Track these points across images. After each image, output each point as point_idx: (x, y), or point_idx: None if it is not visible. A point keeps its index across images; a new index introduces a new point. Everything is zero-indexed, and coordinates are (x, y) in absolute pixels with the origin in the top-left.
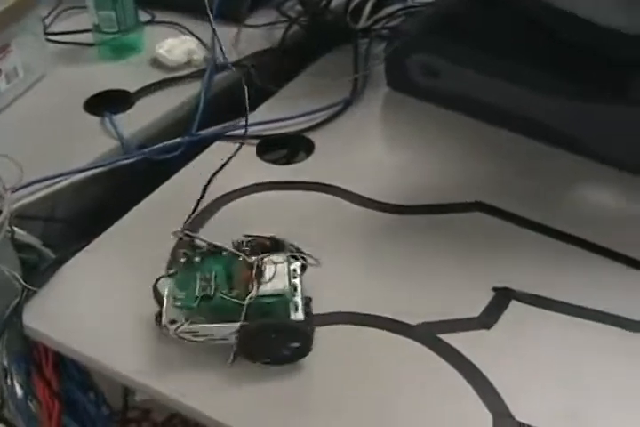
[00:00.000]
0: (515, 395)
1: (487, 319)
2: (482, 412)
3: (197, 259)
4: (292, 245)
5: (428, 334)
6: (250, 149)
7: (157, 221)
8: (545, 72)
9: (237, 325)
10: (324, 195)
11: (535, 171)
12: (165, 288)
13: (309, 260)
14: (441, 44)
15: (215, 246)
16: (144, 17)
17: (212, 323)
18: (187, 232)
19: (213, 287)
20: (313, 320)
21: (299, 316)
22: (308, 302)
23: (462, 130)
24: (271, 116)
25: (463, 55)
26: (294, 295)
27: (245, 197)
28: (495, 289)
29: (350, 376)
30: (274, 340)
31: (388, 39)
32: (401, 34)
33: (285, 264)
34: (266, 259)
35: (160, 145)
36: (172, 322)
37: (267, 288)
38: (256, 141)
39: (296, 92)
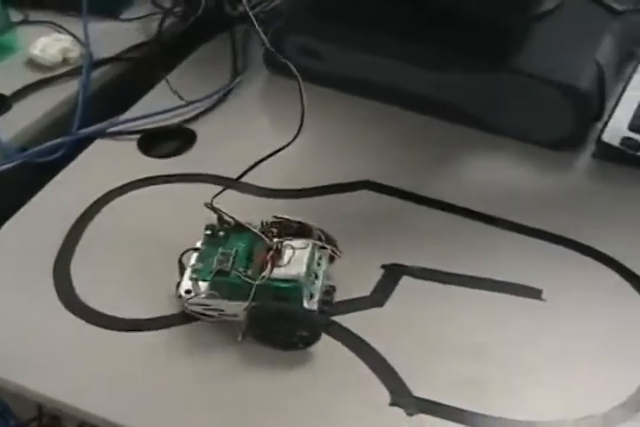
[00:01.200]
0: (413, 372)
1: (379, 297)
2: (381, 392)
3: (222, 233)
4: (322, 231)
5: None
6: (131, 145)
7: (38, 227)
8: (422, 45)
9: (245, 304)
10: (211, 186)
11: (424, 145)
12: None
13: (333, 250)
14: (315, 24)
15: (240, 225)
16: (17, 17)
17: (224, 299)
18: (214, 205)
19: (230, 263)
20: (331, 310)
21: (312, 305)
22: (329, 290)
23: (349, 109)
24: (152, 109)
25: (339, 34)
26: (313, 283)
27: (128, 194)
28: (384, 266)
29: None
30: (281, 325)
31: (265, 23)
32: (276, 16)
33: (308, 250)
34: (286, 242)
35: (40, 147)
36: (187, 292)
37: (280, 272)
38: (137, 136)
39: (176, 84)
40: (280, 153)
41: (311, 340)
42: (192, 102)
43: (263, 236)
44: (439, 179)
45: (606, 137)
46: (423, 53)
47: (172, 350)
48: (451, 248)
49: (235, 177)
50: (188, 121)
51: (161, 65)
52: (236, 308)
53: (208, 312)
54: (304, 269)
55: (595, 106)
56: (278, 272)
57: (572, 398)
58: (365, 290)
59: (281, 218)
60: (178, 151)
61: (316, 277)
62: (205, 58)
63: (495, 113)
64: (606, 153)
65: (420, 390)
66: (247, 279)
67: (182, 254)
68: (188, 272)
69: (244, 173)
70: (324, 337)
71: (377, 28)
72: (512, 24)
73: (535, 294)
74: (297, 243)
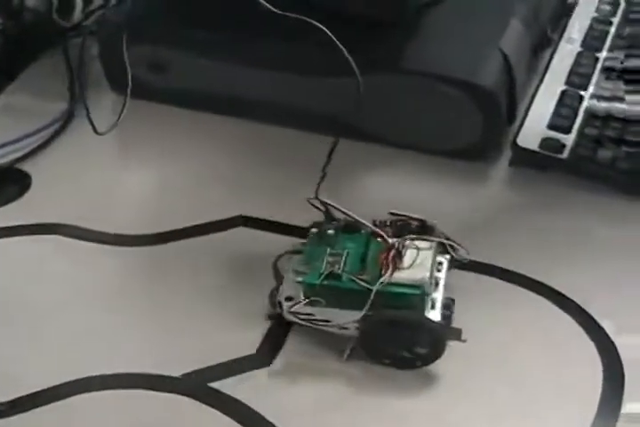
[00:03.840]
0: None
1: (266, 354)
2: None
3: (331, 231)
4: (443, 233)
5: (198, 385)
6: None
7: None
8: (286, 47)
9: (361, 313)
10: (49, 237)
11: (303, 164)
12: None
13: (461, 251)
14: (156, 30)
15: (355, 221)
16: None
17: (333, 307)
18: (323, 200)
19: (342, 266)
20: (451, 326)
21: (435, 315)
22: (449, 303)
23: (210, 131)
24: None
25: (183, 39)
26: (435, 291)
27: None
28: (270, 317)
29: None
30: (399, 337)
31: (98, 34)
32: (108, 26)
33: (431, 252)
34: (408, 242)
35: None
36: (289, 299)
37: (402, 275)
38: None
39: (1, 115)
40: (133, 191)
41: (433, 356)
42: (25, 137)
43: (384, 234)
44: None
45: (522, 141)
46: (286, 56)
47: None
48: None
49: (79, 225)
50: (18, 160)
51: None
52: (347, 317)
53: (309, 323)
54: (428, 273)
55: (504, 104)
56: (400, 275)
57: None
58: (250, 347)
59: (399, 215)
60: (10, 197)
61: (437, 284)
62: (35, 81)
63: (386, 122)
64: (525, 159)
65: None
66: (363, 284)
67: (277, 258)
68: (290, 276)
69: None
70: (203, 408)
71: (226, 29)
72: (391, 15)
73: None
74: (421, 243)
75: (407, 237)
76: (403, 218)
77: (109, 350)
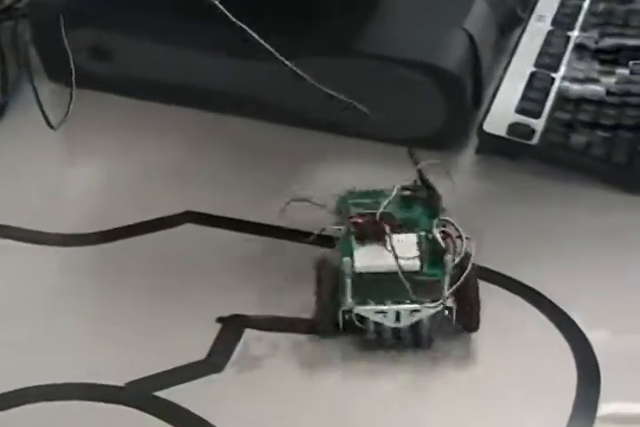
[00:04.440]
0: None
1: (217, 360)
2: None
3: None
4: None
5: (143, 394)
6: None
7: None
8: (232, 29)
9: None
10: None
11: (258, 158)
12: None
13: None
14: (94, 11)
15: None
16: None
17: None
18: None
19: None
20: None
21: None
22: None
23: (158, 122)
24: None
25: (133, 24)
26: None
27: None
28: (220, 319)
29: None
30: None
31: (30, 17)
32: (41, 7)
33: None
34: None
35: None
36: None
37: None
38: None
39: None
40: (75, 187)
41: None
42: None
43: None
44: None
45: (489, 126)
46: (228, 38)
47: None
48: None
49: (16, 225)
50: None
51: None
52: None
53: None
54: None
55: (469, 88)
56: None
57: None
58: (200, 353)
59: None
60: None
61: None
62: None
63: (343, 109)
64: (492, 146)
65: None
66: None
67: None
68: None
69: None
70: (148, 418)
71: (177, 12)
72: None
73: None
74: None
75: None
76: None
77: (45, 359)
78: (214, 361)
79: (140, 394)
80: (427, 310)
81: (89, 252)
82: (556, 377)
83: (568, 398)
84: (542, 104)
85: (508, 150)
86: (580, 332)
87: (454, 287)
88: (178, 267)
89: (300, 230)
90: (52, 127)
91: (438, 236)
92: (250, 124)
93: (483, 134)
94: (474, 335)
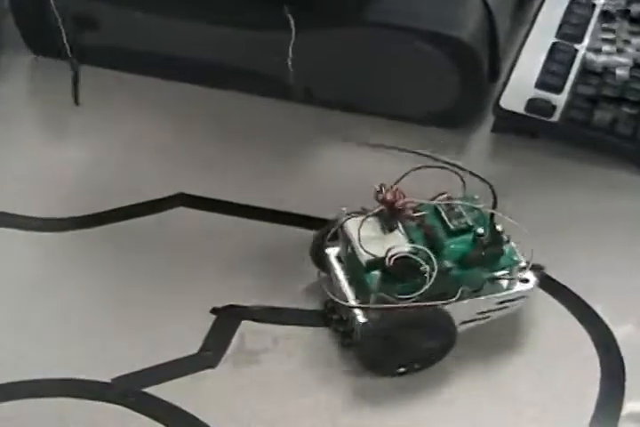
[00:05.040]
0: None
1: (210, 355)
2: None
3: None
4: None
5: (131, 391)
6: None
7: None
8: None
9: None
10: None
11: (255, 135)
12: None
13: None
14: None
15: None
16: None
17: None
18: None
19: None
20: None
21: None
22: None
23: (147, 97)
24: None
25: None
26: None
27: None
28: (215, 310)
29: None
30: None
31: None
32: None
33: None
34: None
35: None
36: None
37: None
38: None
39: None
40: (61, 167)
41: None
42: None
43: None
44: (281, 182)
45: (506, 102)
46: (232, 10)
47: None
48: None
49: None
50: None
51: None
52: None
53: None
54: None
55: (484, 60)
56: None
57: None
58: (192, 346)
59: None
60: None
61: None
62: None
63: (348, 84)
64: (509, 124)
65: None
66: None
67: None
68: None
69: None
70: (135, 417)
71: None
72: None
73: None
74: None
75: None
76: None
77: (28, 353)
78: (207, 356)
79: (127, 390)
80: None
81: (73, 237)
82: (579, 373)
83: (591, 396)
84: (564, 78)
85: (526, 128)
86: (605, 325)
87: None
88: (169, 253)
89: (300, 214)
90: (77, 104)
91: None
92: (241, 99)
93: (499, 111)
94: (494, 329)
